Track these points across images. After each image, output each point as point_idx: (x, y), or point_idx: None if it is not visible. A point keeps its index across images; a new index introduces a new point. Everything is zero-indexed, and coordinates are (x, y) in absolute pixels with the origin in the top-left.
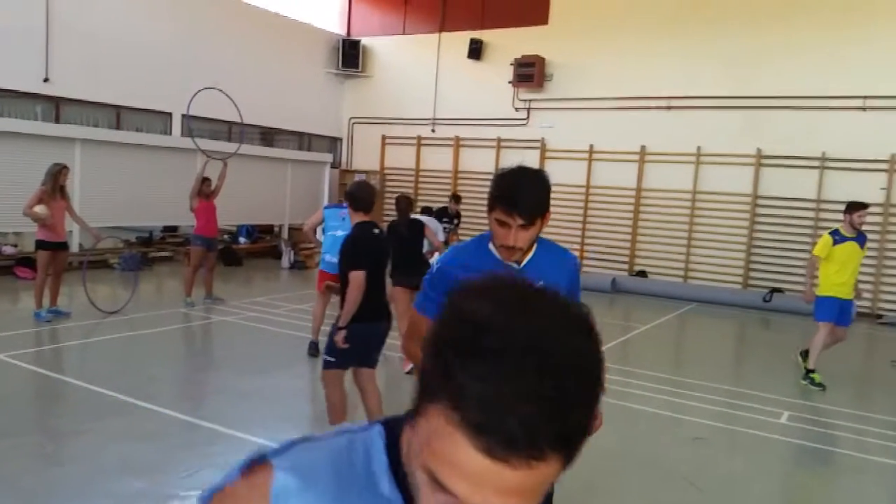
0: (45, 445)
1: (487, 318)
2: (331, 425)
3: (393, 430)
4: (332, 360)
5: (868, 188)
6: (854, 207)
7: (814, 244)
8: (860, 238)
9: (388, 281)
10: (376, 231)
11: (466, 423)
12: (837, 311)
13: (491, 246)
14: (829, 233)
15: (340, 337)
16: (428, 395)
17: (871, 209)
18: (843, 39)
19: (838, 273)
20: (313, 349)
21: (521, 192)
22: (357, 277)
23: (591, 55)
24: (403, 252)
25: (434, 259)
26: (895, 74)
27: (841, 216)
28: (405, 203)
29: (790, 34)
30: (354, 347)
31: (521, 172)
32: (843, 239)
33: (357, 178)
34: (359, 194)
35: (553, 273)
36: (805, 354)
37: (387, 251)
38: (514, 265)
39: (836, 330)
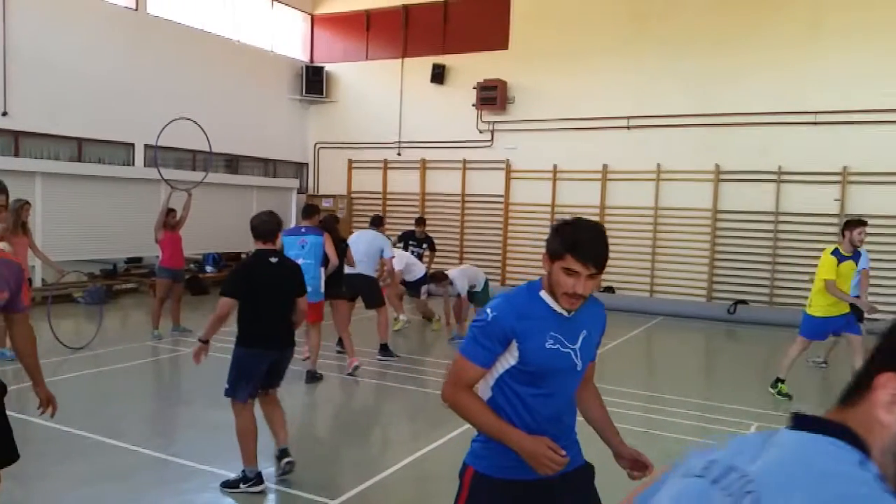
0: (11, 491)
1: None
2: (242, 457)
3: (844, 436)
4: (227, 387)
5: (823, 200)
6: (853, 224)
7: (773, 255)
8: (856, 255)
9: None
10: (274, 259)
11: None
12: (832, 330)
13: (542, 294)
14: (831, 253)
15: (194, 350)
16: None
17: (826, 220)
18: (795, 58)
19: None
20: (310, 377)
21: (595, 244)
22: (221, 303)
23: (551, 77)
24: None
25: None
26: (844, 90)
27: (801, 227)
28: (326, 222)
29: (744, 53)
30: (243, 374)
31: (589, 224)
32: (844, 258)
33: (324, 203)
34: (254, 223)
35: (592, 323)
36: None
37: (287, 278)
38: (565, 313)
39: (851, 339)
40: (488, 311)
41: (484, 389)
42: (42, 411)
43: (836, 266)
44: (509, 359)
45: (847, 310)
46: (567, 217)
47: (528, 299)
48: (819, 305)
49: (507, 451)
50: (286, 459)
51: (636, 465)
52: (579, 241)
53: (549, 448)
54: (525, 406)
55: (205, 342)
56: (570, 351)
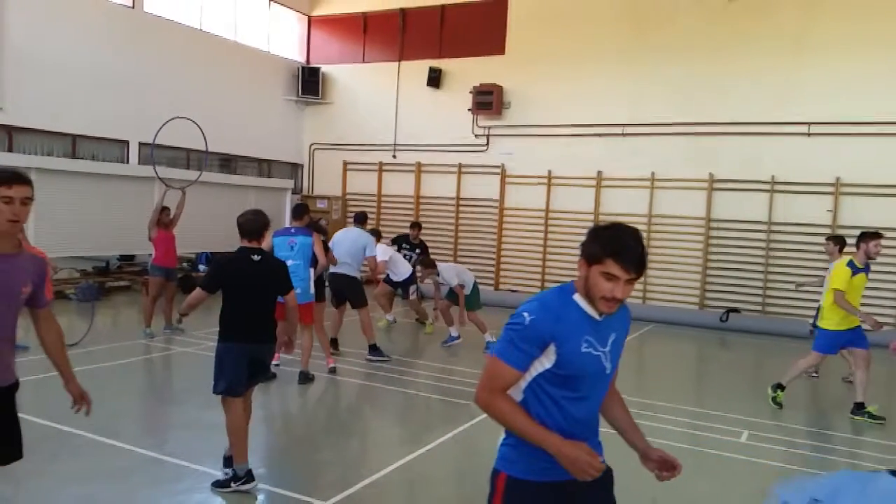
0: (2, 489)
1: None
2: (233, 454)
3: None
4: (214, 385)
5: (816, 210)
6: (870, 236)
7: (766, 264)
8: (867, 268)
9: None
10: (256, 257)
11: None
12: (842, 344)
13: (576, 297)
14: (847, 264)
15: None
16: None
17: (819, 230)
18: (788, 68)
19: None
20: (302, 378)
21: (637, 249)
22: (194, 292)
23: (547, 84)
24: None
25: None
26: (838, 101)
27: (793, 238)
28: (311, 225)
29: (738, 63)
30: (229, 367)
31: (628, 229)
32: (857, 270)
33: (319, 204)
34: (240, 221)
35: (619, 325)
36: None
37: (270, 276)
38: (597, 317)
39: (857, 353)
40: (525, 314)
41: (515, 392)
42: (77, 409)
43: (849, 277)
44: (544, 362)
45: (857, 323)
46: (604, 222)
47: (562, 303)
48: (831, 319)
49: (539, 452)
50: (227, 470)
51: (664, 466)
52: (621, 246)
53: (588, 454)
54: (559, 409)
55: (183, 315)
56: (600, 354)
